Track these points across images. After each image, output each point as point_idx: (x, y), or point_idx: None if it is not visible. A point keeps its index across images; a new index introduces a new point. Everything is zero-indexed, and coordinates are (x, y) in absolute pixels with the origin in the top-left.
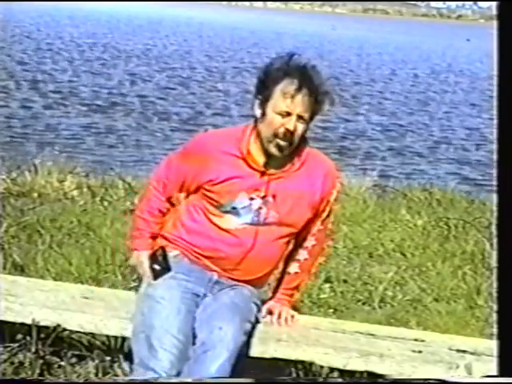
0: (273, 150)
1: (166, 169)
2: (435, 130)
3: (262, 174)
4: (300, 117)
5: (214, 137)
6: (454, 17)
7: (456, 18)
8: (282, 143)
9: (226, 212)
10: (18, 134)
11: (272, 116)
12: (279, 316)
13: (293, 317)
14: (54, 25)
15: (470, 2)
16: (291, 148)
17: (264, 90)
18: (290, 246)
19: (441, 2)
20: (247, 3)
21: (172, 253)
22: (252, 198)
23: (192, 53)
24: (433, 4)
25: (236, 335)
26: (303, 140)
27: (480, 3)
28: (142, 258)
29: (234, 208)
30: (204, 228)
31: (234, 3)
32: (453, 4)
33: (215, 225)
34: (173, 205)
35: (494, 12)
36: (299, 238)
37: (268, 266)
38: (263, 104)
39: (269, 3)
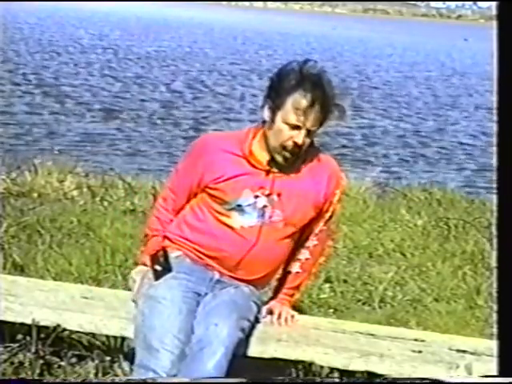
0: (279, 159)
1: (175, 185)
2: (457, 136)
3: (267, 172)
4: (309, 131)
5: (217, 137)
6: (453, 17)
7: (456, 18)
8: (289, 155)
9: (231, 209)
10: (24, 141)
11: (281, 126)
12: (279, 316)
13: (293, 317)
14: (59, 26)
15: (470, 2)
16: (296, 158)
17: (276, 97)
18: (292, 246)
19: (441, 2)
20: (247, 3)
21: (174, 254)
22: (257, 196)
23: (205, 55)
24: (433, 4)
25: (232, 332)
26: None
27: (480, 3)
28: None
29: (239, 205)
30: (209, 227)
31: (233, 3)
32: (453, 4)
33: (222, 223)
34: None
35: (494, 12)
36: (301, 238)
37: (270, 266)
38: (273, 111)
39: (269, 3)
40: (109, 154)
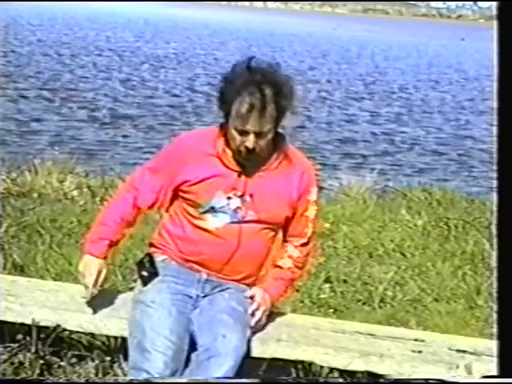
0: (241, 159)
1: (139, 181)
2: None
3: (239, 173)
4: (259, 133)
5: (190, 137)
6: (453, 17)
7: (456, 17)
8: (247, 157)
9: (205, 212)
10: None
11: (232, 132)
12: (257, 307)
13: (264, 311)
14: (63, 27)
15: (470, 2)
16: (260, 157)
17: (222, 105)
18: (273, 242)
19: (441, 2)
20: (247, 3)
21: (159, 258)
22: (229, 198)
23: (214, 57)
24: (433, 4)
25: (239, 345)
26: (281, 139)
27: (480, 3)
28: (92, 266)
29: (212, 208)
30: (185, 232)
31: (233, 3)
32: (453, 4)
33: (197, 227)
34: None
35: (494, 12)
36: (288, 235)
37: (256, 263)
38: (225, 117)
39: (269, 3)
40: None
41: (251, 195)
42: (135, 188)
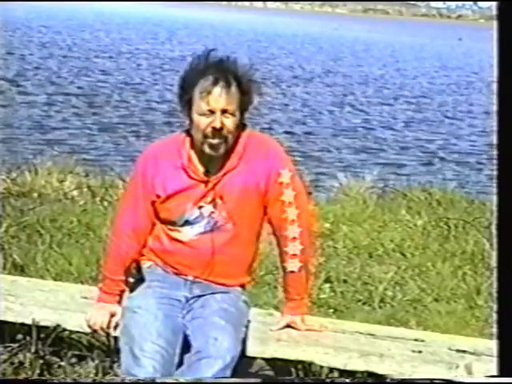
0: (207, 150)
1: (126, 223)
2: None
3: (206, 182)
4: (224, 111)
5: (155, 151)
6: (454, 17)
7: (456, 17)
8: (214, 142)
9: (182, 226)
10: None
11: (197, 119)
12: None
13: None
14: (69, 28)
15: (470, 2)
16: (227, 144)
17: (185, 96)
18: (256, 239)
19: (441, 2)
20: (247, 3)
21: (145, 264)
22: (201, 207)
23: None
24: (433, 4)
25: (232, 347)
26: (241, 135)
27: (480, 3)
28: (106, 309)
29: (186, 221)
30: (163, 244)
31: (233, 3)
32: (453, 4)
33: (173, 239)
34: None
35: (494, 12)
36: (277, 230)
37: (238, 267)
38: (188, 111)
39: (269, 3)
40: None
41: (221, 197)
42: (124, 236)
